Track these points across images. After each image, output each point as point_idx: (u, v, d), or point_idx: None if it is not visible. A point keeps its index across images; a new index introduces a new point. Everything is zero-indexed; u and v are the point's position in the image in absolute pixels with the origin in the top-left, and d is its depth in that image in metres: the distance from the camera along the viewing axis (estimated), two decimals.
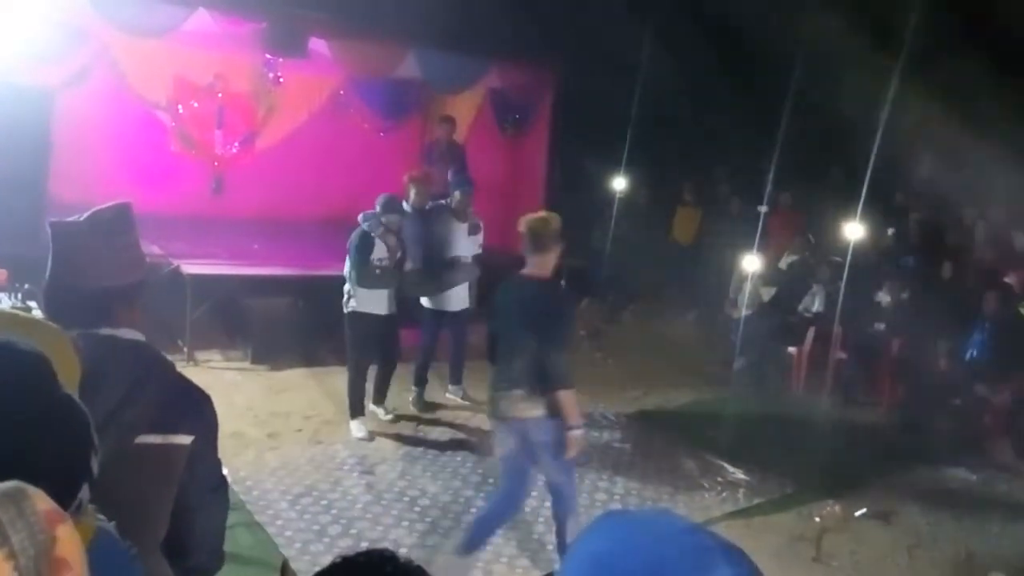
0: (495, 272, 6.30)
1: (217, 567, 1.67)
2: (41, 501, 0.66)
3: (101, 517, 0.89)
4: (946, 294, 7.04)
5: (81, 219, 1.54)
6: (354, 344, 5.43)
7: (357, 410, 5.38)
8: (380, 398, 5.69)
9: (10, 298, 3.83)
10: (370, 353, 5.52)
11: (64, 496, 0.76)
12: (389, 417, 5.62)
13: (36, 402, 0.76)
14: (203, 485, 1.59)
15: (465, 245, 5.98)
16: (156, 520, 1.49)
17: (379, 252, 5.36)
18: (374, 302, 5.37)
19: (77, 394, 0.86)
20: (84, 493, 0.79)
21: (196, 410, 1.57)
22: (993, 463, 5.93)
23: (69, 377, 0.86)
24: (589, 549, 0.68)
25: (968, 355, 6.56)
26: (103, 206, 1.56)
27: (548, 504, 4.65)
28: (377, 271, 5.35)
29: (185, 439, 1.50)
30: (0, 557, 0.62)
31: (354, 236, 5.38)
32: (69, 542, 0.67)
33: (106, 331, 1.51)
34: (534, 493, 4.79)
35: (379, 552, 1.01)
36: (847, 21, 7.49)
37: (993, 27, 7.75)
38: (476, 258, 6.05)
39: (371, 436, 5.32)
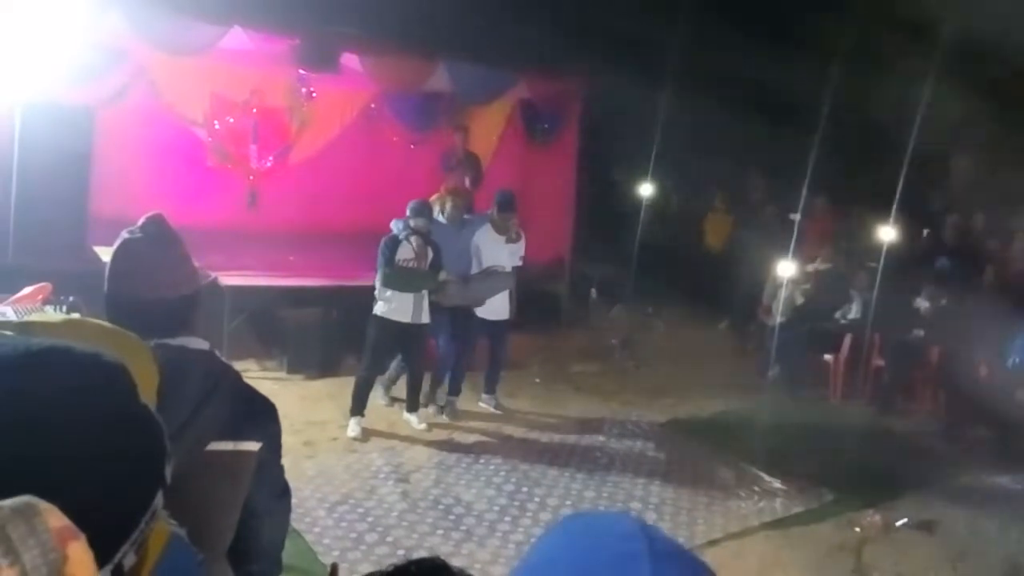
0: (531, 283, 6.33)
1: (277, 574, 1.69)
2: (53, 517, 0.64)
3: (173, 522, 0.91)
4: (986, 299, 6.90)
5: (139, 234, 1.55)
6: (369, 347, 5.50)
7: (357, 409, 5.45)
8: (413, 406, 5.73)
9: (55, 310, 3.92)
10: (384, 359, 5.56)
11: (140, 502, 0.78)
12: (423, 427, 5.65)
13: (116, 412, 0.79)
14: (270, 492, 1.61)
15: (504, 256, 5.98)
16: (225, 527, 1.51)
17: (405, 253, 5.43)
18: (398, 309, 5.41)
19: (155, 402, 0.89)
20: (159, 500, 0.81)
21: (263, 418, 1.59)
22: None
23: (148, 386, 0.89)
24: (538, 551, 0.67)
25: (1010, 361, 6.42)
26: (143, 219, 1.57)
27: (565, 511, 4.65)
28: (403, 271, 5.39)
29: (254, 446, 1.52)
30: None
31: (383, 239, 5.48)
32: (80, 561, 0.65)
33: (178, 341, 1.53)
34: (558, 502, 4.79)
35: (431, 561, 1.00)
36: (881, 22, 7.41)
37: None
38: (516, 270, 6.05)
39: (364, 436, 5.37)
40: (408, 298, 5.43)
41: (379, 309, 5.45)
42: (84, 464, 0.74)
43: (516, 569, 0.67)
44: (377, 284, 5.47)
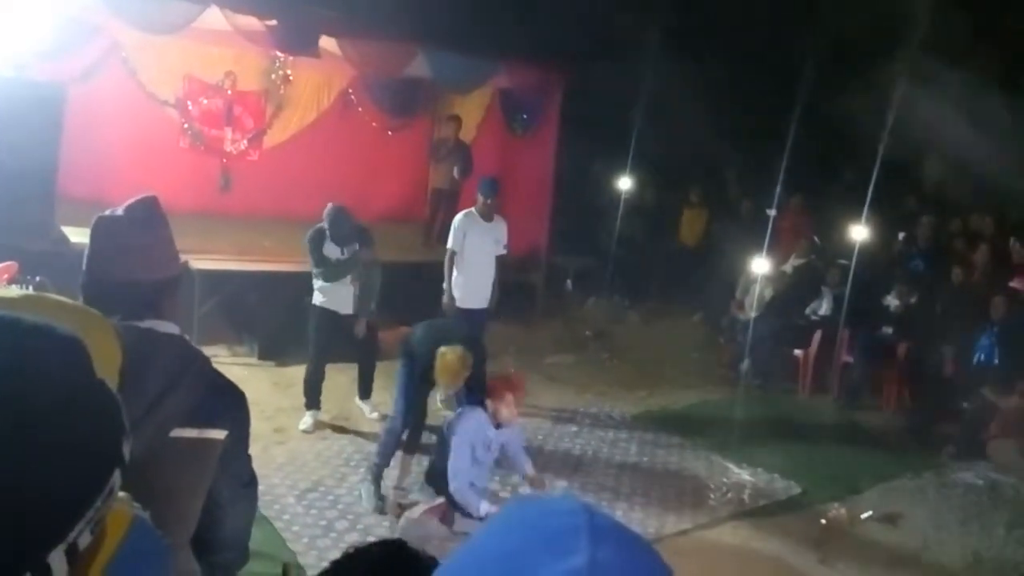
0: (506, 273, 6.29)
1: (243, 563, 1.66)
2: None
3: (137, 505, 0.89)
4: (954, 298, 7.02)
5: (119, 213, 1.52)
6: (311, 338, 5.38)
7: (311, 403, 5.36)
8: (365, 393, 5.62)
9: (21, 290, 3.84)
10: (327, 349, 5.40)
11: (95, 481, 0.75)
12: (375, 415, 5.51)
13: (69, 385, 0.75)
14: (235, 481, 1.58)
15: (489, 242, 5.83)
16: (188, 514, 1.49)
17: (330, 251, 5.25)
18: (334, 300, 5.28)
19: (118, 379, 0.85)
20: (116, 478, 0.78)
21: (230, 405, 1.56)
22: (999, 467, 5.91)
23: (110, 364, 0.86)
24: (475, 534, 0.65)
25: (976, 359, 6.54)
26: (133, 200, 1.55)
27: None
28: (333, 266, 5.23)
29: (220, 434, 1.49)
30: None
31: (309, 232, 5.30)
32: None
33: (146, 324, 1.50)
34: (529, 491, 4.80)
35: (392, 542, 1.01)
36: (857, 22, 7.48)
37: (1002, 29, 7.73)
38: (500, 258, 5.94)
39: (314, 429, 5.28)
40: (345, 288, 5.27)
41: (316, 299, 5.32)
42: (33, 438, 0.70)
43: (463, 544, 0.65)
44: (314, 276, 5.33)
